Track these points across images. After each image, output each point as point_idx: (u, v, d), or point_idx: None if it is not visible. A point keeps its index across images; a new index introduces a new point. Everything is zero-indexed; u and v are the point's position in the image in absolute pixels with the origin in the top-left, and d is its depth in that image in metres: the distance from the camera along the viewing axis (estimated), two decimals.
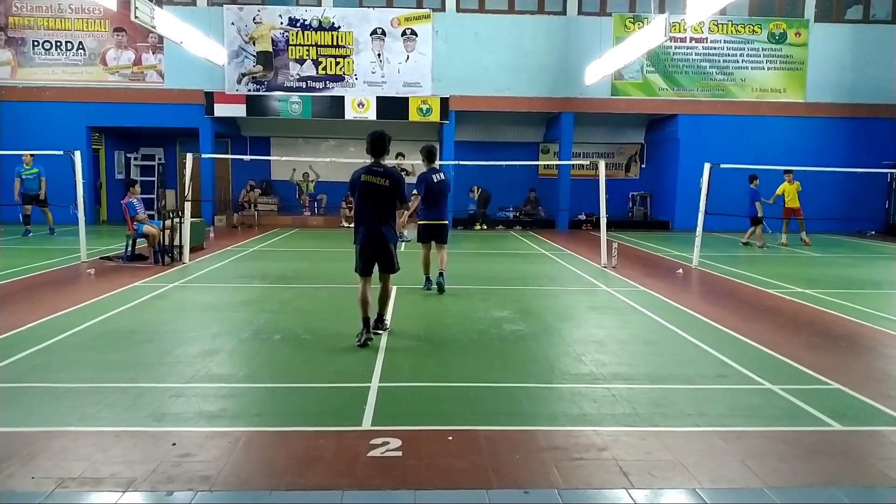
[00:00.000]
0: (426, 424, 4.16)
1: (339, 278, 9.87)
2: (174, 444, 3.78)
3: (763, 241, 14.87)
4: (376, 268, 6.24)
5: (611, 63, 15.63)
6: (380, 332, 6.32)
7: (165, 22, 12.06)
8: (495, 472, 3.50)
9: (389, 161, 14.26)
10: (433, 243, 8.75)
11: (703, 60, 19.21)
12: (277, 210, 20.48)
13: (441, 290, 8.61)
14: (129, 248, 11.17)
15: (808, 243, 15.14)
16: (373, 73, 18.71)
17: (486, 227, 19.30)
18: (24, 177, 14.93)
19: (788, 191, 15.11)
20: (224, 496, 3.24)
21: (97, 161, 19.80)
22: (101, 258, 11.20)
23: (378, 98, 18.58)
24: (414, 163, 8.11)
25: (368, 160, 6.12)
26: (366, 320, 6.12)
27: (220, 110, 18.59)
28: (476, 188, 19.92)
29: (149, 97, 18.52)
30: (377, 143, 6.05)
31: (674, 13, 13.36)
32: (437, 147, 8.63)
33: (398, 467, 3.55)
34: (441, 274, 8.72)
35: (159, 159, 21.01)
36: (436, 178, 8.60)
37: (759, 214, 14.74)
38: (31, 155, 14.75)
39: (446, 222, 8.85)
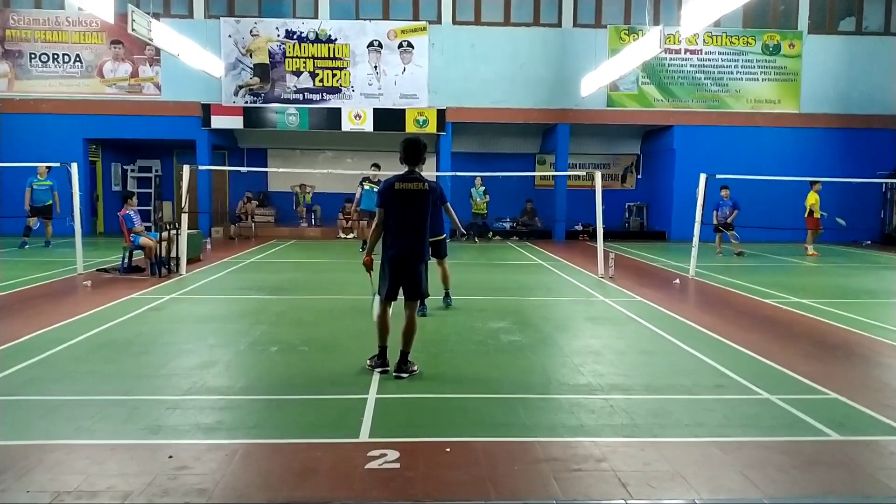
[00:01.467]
0: (424, 436, 4.14)
1: (337, 289, 9.87)
2: (170, 457, 3.76)
3: (721, 249, 15.14)
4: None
5: (606, 74, 15.71)
6: (404, 375, 5.34)
7: (162, 34, 12.10)
8: (493, 484, 3.49)
9: (364, 172, 14.46)
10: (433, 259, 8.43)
11: (698, 72, 19.33)
12: (274, 221, 20.49)
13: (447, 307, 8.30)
14: (126, 260, 11.14)
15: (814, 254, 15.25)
16: (369, 85, 18.78)
17: (495, 237, 19.17)
18: (35, 187, 14.87)
19: (817, 201, 15.23)
20: None
21: (94, 173, 19.80)
22: (97, 270, 11.18)
23: (375, 110, 18.65)
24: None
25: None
26: (383, 349, 5.51)
27: (217, 122, 18.63)
28: (484, 190, 18.99)
29: (146, 109, 18.55)
30: (411, 150, 5.44)
31: (668, 25, 13.50)
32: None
33: (396, 479, 3.54)
34: (447, 294, 8.40)
35: (156, 171, 21.03)
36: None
37: (715, 222, 15.04)
38: (48, 167, 14.68)
39: (442, 236, 8.28)
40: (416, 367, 5.49)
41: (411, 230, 5.36)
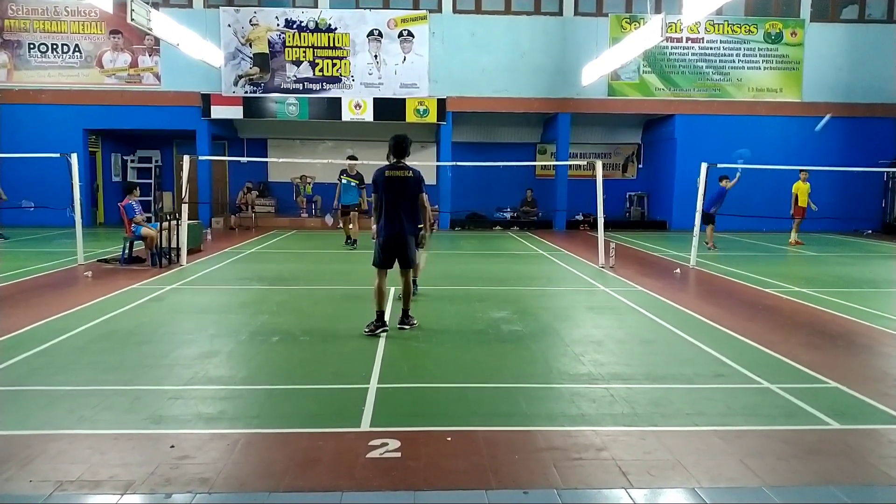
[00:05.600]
0: (425, 425, 4.15)
1: (337, 280, 9.88)
2: (172, 447, 3.78)
3: (713, 243, 14.43)
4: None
5: (607, 63, 15.64)
6: (406, 327, 6.55)
7: (162, 24, 12.03)
8: (494, 473, 3.50)
9: (342, 162, 14.06)
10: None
11: (700, 60, 19.24)
12: (275, 212, 20.46)
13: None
14: (127, 251, 11.15)
15: (799, 243, 15.11)
16: (370, 74, 18.71)
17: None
18: None
19: (802, 190, 15.12)
20: (223, 498, 3.23)
21: (94, 163, 19.78)
22: (98, 261, 11.19)
23: (375, 99, 18.59)
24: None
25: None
26: (380, 313, 6.41)
27: (217, 112, 18.58)
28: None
29: (145, 99, 18.50)
30: (400, 145, 6.42)
31: (670, 13, 13.41)
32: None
33: (397, 468, 3.55)
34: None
35: (156, 161, 21.00)
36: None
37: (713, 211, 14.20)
38: None
39: (421, 226, 6.89)
40: (415, 321, 6.64)
41: (402, 211, 6.34)
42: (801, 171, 15.09)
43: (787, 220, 15.61)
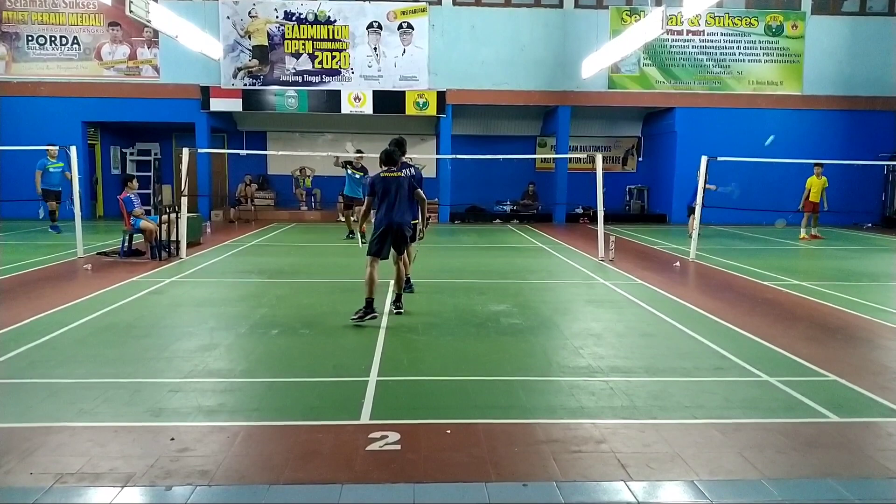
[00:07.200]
0: (424, 418, 4.16)
1: (337, 273, 9.87)
2: (172, 439, 3.78)
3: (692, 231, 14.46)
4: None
5: (608, 56, 15.60)
6: (401, 310, 7.00)
7: (160, 16, 11.98)
8: (494, 466, 3.51)
9: (343, 154, 14.24)
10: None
11: (700, 53, 19.18)
12: (274, 205, 20.45)
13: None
14: (126, 244, 11.14)
15: (815, 237, 15.11)
16: (369, 66, 18.66)
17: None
18: (50, 169, 14.66)
19: (815, 185, 15.09)
20: (223, 491, 3.24)
21: (93, 156, 19.72)
22: (97, 253, 11.18)
23: (374, 92, 18.54)
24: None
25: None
26: (369, 300, 6.55)
27: (217, 105, 18.53)
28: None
29: (144, 92, 18.44)
30: (389, 155, 6.99)
31: (670, 6, 13.35)
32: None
33: (397, 461, 3.56)
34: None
35: (155, 154, 20.95)
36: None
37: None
38: (58, 148, 14.40)
39: (415, 221, 7.34)
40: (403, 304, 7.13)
41: (398, 204, 6.80)
42: (815, 165, 15.05)
43: (786, 212, 15.57)
